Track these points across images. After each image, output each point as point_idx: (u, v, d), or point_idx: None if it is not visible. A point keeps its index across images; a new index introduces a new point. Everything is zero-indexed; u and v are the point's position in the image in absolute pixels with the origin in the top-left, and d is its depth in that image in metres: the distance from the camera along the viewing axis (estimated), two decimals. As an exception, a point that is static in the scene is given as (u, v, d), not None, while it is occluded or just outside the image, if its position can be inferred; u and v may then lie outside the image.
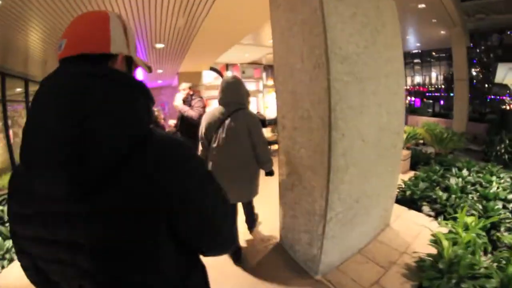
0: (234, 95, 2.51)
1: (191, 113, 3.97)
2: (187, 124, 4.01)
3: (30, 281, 0.78)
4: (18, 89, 8.41)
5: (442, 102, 17.00)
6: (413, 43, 13.50)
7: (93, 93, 0.61)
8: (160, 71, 9.80)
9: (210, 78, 12.67)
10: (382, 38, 2.43)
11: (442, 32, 10.48)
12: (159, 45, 6.15)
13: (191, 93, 4.23)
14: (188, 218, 0.68)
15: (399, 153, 3.07)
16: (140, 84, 0.70)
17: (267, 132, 9.12)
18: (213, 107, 2.60)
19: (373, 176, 2.62)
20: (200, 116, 3.89)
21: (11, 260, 3.20)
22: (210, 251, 0.80)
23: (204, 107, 4.10)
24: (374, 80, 2.39)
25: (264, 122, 16.98)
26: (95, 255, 0.62)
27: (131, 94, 0.67)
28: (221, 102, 2.55)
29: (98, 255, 0.62)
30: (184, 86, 4.24)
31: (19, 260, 0.76)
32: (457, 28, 9.40)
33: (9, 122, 7.12)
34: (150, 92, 0.73)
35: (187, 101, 4.16)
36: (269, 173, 2.70)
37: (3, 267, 3.06)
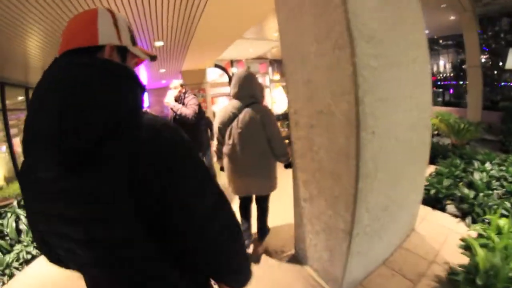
0: (247, 89, 2.45)
1: (185, 111, 3.53)
2: (181, 124, 3.53)
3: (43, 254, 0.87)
4: (20, 98, 8.30)
5: (451, 90, 16.46)
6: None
7: (84, 83, 0.63)
8: (162, 70, 9.49)
9: (215, 76, 12.38)
10: (406, 17, 2.02)
11: (452, 17, 10.00)
12: (159, 43, 5.83)
13: (184, 91, 3.82)
14: (168, 195, 0.64)
15: (428, 150, 2.65)
16: (129, 72, 0.71)
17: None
18: (222, 104, 2.45)
19: (401, 179, 2.22)
20: (195, 114, 3.57)
21: (11, 276, 3.11)
22: (205, 262, 0.74)
23: (199, 104, 3.72)
24: (402, 66, 1.97)
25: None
26: (85, 228, 0.64)
27: (120, 82, 0.67)
28: (234, 97, 2.50)
29: (88, 228, 0.64)
30: (176, 83, 3.81)
31: (33, 235, 0.87)
32: (468, 13, 8.88)
33: (15, 130, 7.09)
34: (139, 79, 0.73)
35: (179, 100, 3.75)
36: (288, 165, 2.55)
37: (3, 284, 3.00)
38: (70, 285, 2.08)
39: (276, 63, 13.45)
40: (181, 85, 3.81)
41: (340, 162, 1.81)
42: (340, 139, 1.77)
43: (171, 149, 0.65)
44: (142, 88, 0.73)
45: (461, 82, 15.85)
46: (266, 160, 2.49)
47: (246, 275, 0.83)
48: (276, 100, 13.51)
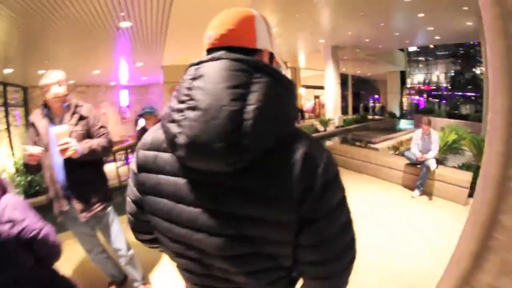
0: None
1: (105, 148, 1.95)
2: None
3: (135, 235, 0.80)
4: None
5: (445, 101, 15.59)
6: (431, 35, 11.55)
7: (259, 87, 0.59)
8: (139, 64, 7.74)
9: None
10: None
11: (469, 23, 8.82)
12: (125, 24, 4.14)
13: (71, 97, 2.15)
14: (311, 223, 0.60)
15: None
16: (291, 82, 0.67)
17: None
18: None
19: None
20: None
21: None
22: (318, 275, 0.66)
23: None
24: None
25: (302, 112, 15.90)
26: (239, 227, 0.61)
27: (286, 91, 0.63)
28: None
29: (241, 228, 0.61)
30: (54, 78, 1.95)
31: (135, 216, 0.77)
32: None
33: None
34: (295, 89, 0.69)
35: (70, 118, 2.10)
36: None
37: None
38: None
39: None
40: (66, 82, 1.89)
41: None
42: None
43: (323, 168, 0.60)
44: (296, 98, 0.70)
45: (456, 93, 15.04)
46: None
47: None
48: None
